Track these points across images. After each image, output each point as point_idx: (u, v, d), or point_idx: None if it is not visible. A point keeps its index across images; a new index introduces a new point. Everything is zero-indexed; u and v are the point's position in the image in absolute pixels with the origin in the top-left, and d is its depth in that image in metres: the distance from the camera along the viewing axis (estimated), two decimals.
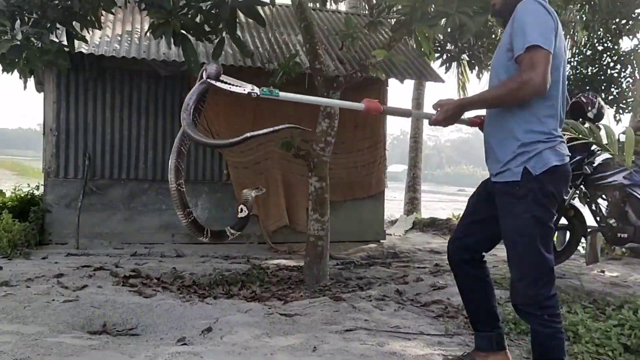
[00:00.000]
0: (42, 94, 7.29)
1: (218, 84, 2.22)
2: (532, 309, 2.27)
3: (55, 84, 6.63)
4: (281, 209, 7.39)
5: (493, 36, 5.96)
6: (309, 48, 5.21)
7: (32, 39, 3.56)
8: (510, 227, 2.31)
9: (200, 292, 4.70)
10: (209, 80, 2.22)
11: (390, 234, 8.87)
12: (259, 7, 4.44)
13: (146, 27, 7.08)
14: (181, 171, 2.31)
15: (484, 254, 2.65)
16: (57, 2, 3.60)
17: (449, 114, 2.32)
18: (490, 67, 2.57)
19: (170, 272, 5.25)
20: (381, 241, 7.95)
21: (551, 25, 2.19)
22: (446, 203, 23.18)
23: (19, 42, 3.60)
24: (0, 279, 4.53)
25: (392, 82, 7.86)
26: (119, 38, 6.67)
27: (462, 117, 2.42)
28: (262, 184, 7.31)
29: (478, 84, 14.11)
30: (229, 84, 2.24)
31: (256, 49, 7.06)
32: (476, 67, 6.85)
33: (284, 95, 2.31)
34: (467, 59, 6.04)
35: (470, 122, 2.56)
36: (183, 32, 4.07)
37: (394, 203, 15.00)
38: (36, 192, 7.56)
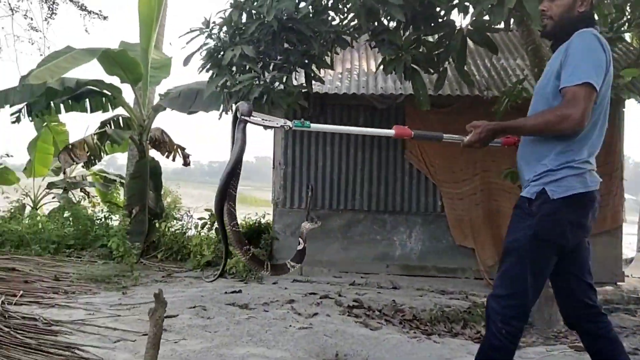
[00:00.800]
0: (266, 130, 8.00)
1: (252, 119, 2.35)
2: (496, 317, 2.25)
3: None
4: (499, 242, 6.95)
5: None
6: (537, 72, 4.84)
7: (277, 82, 3.89)
8: (509, 238, 2.30)
9: (423, 328, 4.57)
10: (243, 117, 2.34)
11: (628, 275, 7.75)
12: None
13: (364, 63, 7.42)
14: (234, 212, 2.37)
15: (596, 304, 2.40)
16: (298, 47, 3.90)
17: (482, 135, 2.31)
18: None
19: (390, 305, 5.23)
20: (618, 283, 6.98)
21: (603, 63, 2.17)
22: None
23: (263, 87, 3.97)
24: (241, 301, 4.98)
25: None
26: (340, 76, 7.04)
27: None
28: (478, 215, 7.09)
29: None
30: (262, 119, 2.38)
31: (473, 76, 6.84)
32: None
33: (315, 126, 2.44)
34: None
35: (504, 142, 2.55)
36: (413, 65, 4.09)
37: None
38: (262, 220, 8.27)
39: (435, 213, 7.27)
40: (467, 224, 7.09)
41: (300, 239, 2.55)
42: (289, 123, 2.38)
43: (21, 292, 4.74)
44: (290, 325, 4.14)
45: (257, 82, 3.83)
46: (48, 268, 6.02)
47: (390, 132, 2.51)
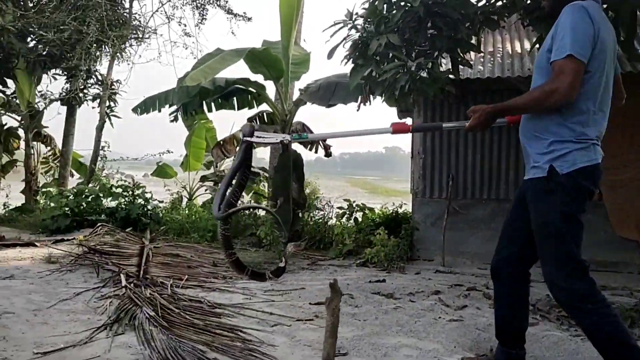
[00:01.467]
0: (401, 119, 7.91)
1: (254, 139, 2.55)
2: (574, 302, 2.32)
3: (422, 109, 7.09)
4: None
5: None
6: None
7: (422, 69, 3.81)
8: (540, 221, 2.39)
9: None
10: (245, 138, 2.55)
11: None
12: None
13: (508, 45, 7.02)
14: (228, 220, 2.59)
15: (529, 271, 2.71)
16: (444, 32, 3.78)
17: (481, 119, 2.40)
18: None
19: (544, 299, 4.92)
20: None
21: (590, 35, 2.22)
22: None
23: (408, 74, 3.91)
24: (385, 291, 5.00)
25: None
26: (482, 60, 6.73)
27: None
28: None
29: None
30: (263, 137, 2.61)
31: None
32: None
33: (312, 136, 2.59)
34: None
35: (509, 120, 2.59)
36: None
37: None
38: (399, 210, 8.23)
39: (592, 202, 6.67)
40: (629, 213, 6.42)
41: (283, 257, 2.81)
42: (287, 137, 2.64)
43: (186, 276, 5.19)
44: (439, 317, 4.07)
45: (403, 70, 3.79)
46: (206, 254, 6.52)
47: (388, 129, 2.59)
